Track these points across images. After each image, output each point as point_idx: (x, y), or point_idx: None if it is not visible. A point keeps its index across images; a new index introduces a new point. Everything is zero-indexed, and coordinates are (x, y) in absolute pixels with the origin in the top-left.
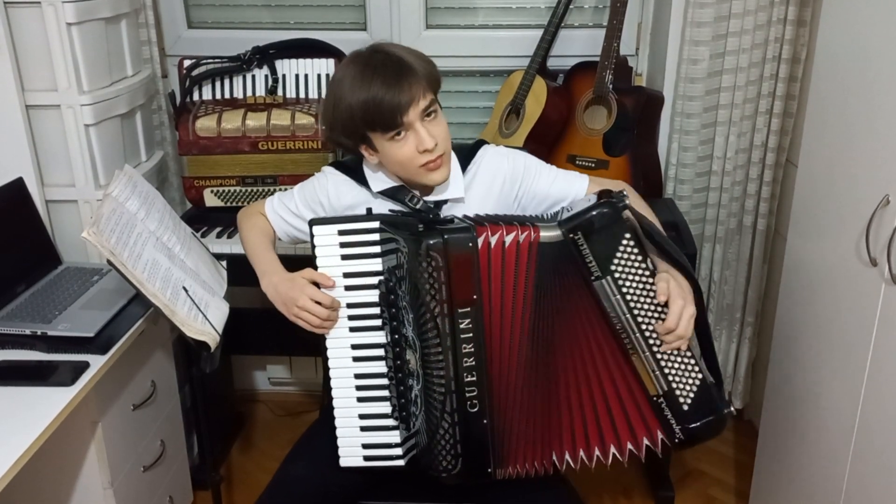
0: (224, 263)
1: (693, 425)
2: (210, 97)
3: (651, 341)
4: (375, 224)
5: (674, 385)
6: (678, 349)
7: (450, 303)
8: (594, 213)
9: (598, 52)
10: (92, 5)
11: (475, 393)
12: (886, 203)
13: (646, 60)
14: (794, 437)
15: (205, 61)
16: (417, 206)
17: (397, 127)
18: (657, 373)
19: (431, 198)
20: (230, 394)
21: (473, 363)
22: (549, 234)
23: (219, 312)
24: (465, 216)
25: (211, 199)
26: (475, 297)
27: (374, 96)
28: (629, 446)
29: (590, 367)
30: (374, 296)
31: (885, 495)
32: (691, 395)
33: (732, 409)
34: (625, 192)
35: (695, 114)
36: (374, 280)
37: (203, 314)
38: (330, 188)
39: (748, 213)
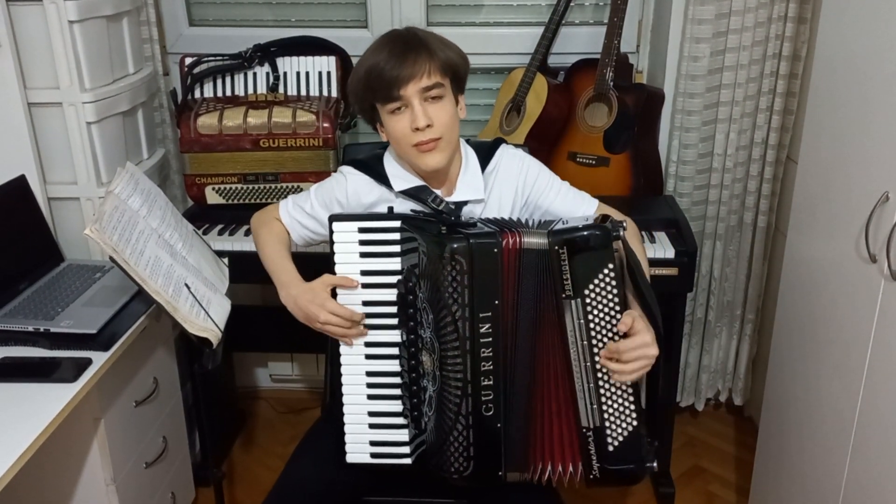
0: (226, 260)
1: (612, 467)
2: (211, 95)
3: (598, 375)
4: (397, 223)
5: (606, 424)
6: (619, 384)
7: (471, 307)
8: (585, 232)
9: (599, 49)
10: (94, 3)
11: (491, 397)
12: (886, 199)
13: (646, 58)
14: (793, 433)
15: (206, 59)
16: (440, 207)
17: (394, 99)
18: (594, 406)
19: (452, 198)
20: (232, 391)
21: (491, 367)
22: (535, 240)
23: (221, 309)
24: (484, 219)
25: (212, 197)
26: (496, 302)
27: (377, 63)
28: (556, 470)
29: (544, 383)
30: (391, 295)
31: (884, 490)
32: (620, 438)
33: (655, 465)
34: (624, 224)
35: (695, 111)
36: (393, 279)
37: (205, 311)
38: (349, 188)
39: (748, 210)
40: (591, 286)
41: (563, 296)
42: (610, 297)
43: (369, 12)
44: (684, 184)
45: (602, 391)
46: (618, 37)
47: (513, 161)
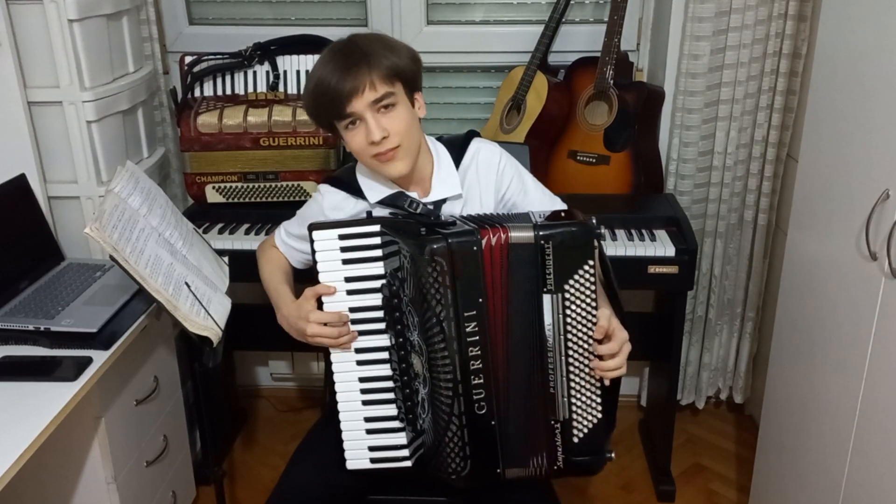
0: (226, 259)
1: (576, 458)
2: (211, 93)
3: (571, 368)
4: (376, 227)
5: (573, 416)
6: (588, 379)
7: (455, 307)
8: (571, 228)
9: (599, 47)
10: (94, 2)
11: (482, 395)
12: (886, 197)
13: (646, 56)
14: (794, 431)
15: (206, 57)
16: (417, 211)
17: (345, 116)
18: (565, 399)
19: (429, 199)
20: (232, 389)
21: (480, 366)
22: (521, 234)
23: (221, 308)
24: (464, 216)
25: (213, 196)
26: (480, 300)
27: (321, 79)
28: (533, 463)
29: (529, 377)
30: (376, 299)
31: (885, 488)
32: (585, 430)
33: (612, 455)
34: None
35: (695, 109)
36: (377, 284)
37: (205, 309)
38: (325, 205)
39: (749, 208)
40: (572, 281)
41: (545, 290)
42: (588, 292)
43: (369, 10)
44: (685, 182)
45: (572, 384)
46: (618, 35)
47: (491, 156)
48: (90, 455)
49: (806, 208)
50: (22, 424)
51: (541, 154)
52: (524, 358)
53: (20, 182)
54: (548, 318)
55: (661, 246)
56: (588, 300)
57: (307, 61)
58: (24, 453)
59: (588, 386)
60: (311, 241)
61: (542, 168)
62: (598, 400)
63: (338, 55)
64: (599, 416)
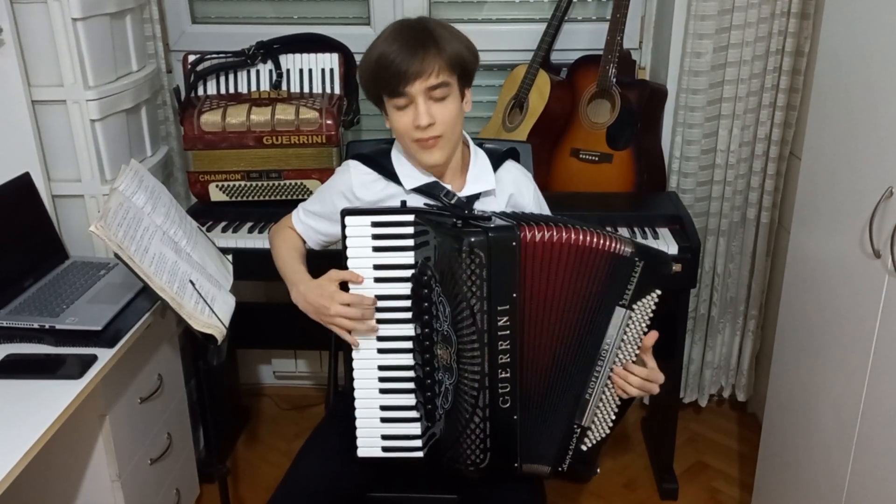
0: (230, 257)
1: (578, 464)
2: (215, 92)
3: (608, 381)
4: (410, 217)
5: (592, 426)
6: (615, 394)
7: (489, 300)
8: (661, 254)
9: (602, 45)
10: (97, 0)
11: (508, 389)
12: (890, 195)
13: (649, 54)
14: (797, 429)
15: (209, 56)
16: (452, 202)
17: (400, 95)
18: (593, 407)
19: (464, 193)
20: (236, 387)
21: (508, 360)
22: (623, 248)
23: (225, 306)
24: (501, 213)
25: (216, 194)
26: (514, 294)
27: (387, 55)
28: None
29: (560, 378)
30: (404, 289)
31: (889, 486)
32: (594, 441)
33: (599, 470)
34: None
35: (698, 107)
36: (406, 273)
37: (210, 307)
38: (354, 181)
39: (752, 206)
40: (640, 302)
41: (620, 303)
42: (647, 316)
43: (371, 9)
44: (687, 180)
45: (603, 395)
46: (620, 33)
47: (525, 181)
48: (95, 452)
49: (809, 206)
50: (27, 422)
51: (543, 152)
52: (573, 360)
53: (24, 180)
54: (611, 331)
55: (664, 244)
56: (645, 323)
57: (310, 60)
58: (30, 451)
59: (614, 400)
60: (343, 227)
61: (544, 166)
62: (614, 416)
63: (407, 32)
64: (609, 430)
